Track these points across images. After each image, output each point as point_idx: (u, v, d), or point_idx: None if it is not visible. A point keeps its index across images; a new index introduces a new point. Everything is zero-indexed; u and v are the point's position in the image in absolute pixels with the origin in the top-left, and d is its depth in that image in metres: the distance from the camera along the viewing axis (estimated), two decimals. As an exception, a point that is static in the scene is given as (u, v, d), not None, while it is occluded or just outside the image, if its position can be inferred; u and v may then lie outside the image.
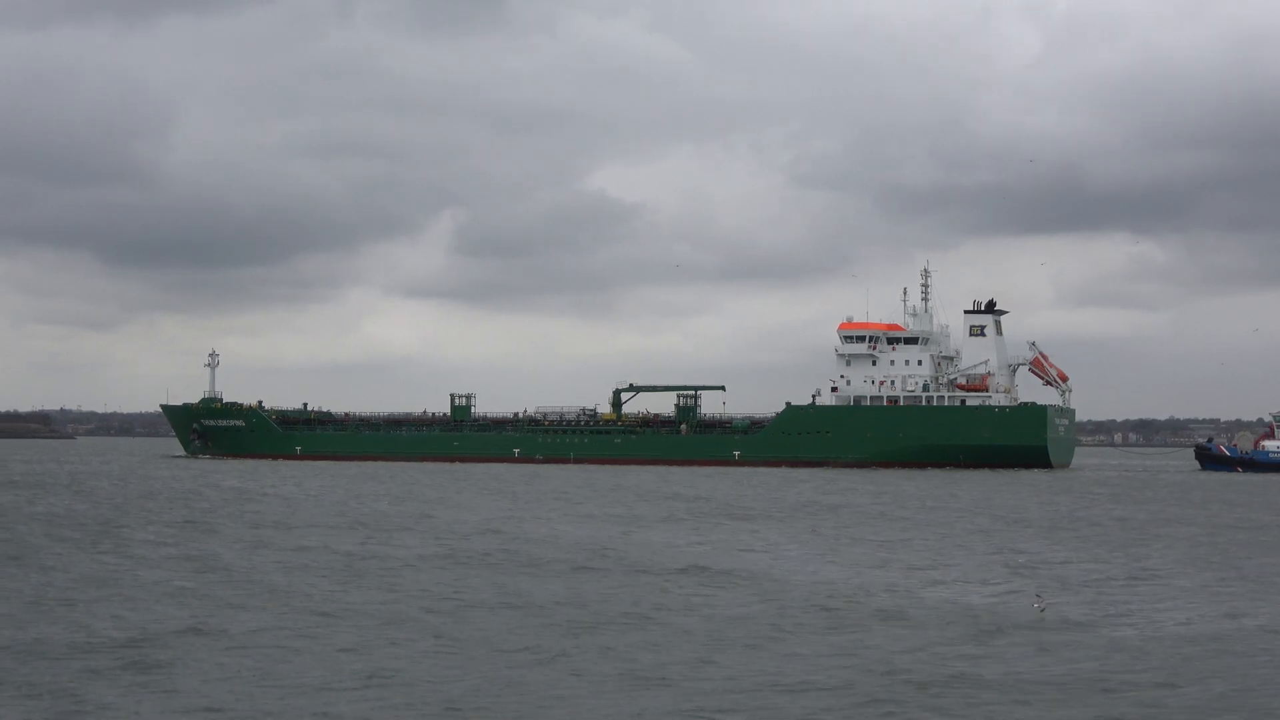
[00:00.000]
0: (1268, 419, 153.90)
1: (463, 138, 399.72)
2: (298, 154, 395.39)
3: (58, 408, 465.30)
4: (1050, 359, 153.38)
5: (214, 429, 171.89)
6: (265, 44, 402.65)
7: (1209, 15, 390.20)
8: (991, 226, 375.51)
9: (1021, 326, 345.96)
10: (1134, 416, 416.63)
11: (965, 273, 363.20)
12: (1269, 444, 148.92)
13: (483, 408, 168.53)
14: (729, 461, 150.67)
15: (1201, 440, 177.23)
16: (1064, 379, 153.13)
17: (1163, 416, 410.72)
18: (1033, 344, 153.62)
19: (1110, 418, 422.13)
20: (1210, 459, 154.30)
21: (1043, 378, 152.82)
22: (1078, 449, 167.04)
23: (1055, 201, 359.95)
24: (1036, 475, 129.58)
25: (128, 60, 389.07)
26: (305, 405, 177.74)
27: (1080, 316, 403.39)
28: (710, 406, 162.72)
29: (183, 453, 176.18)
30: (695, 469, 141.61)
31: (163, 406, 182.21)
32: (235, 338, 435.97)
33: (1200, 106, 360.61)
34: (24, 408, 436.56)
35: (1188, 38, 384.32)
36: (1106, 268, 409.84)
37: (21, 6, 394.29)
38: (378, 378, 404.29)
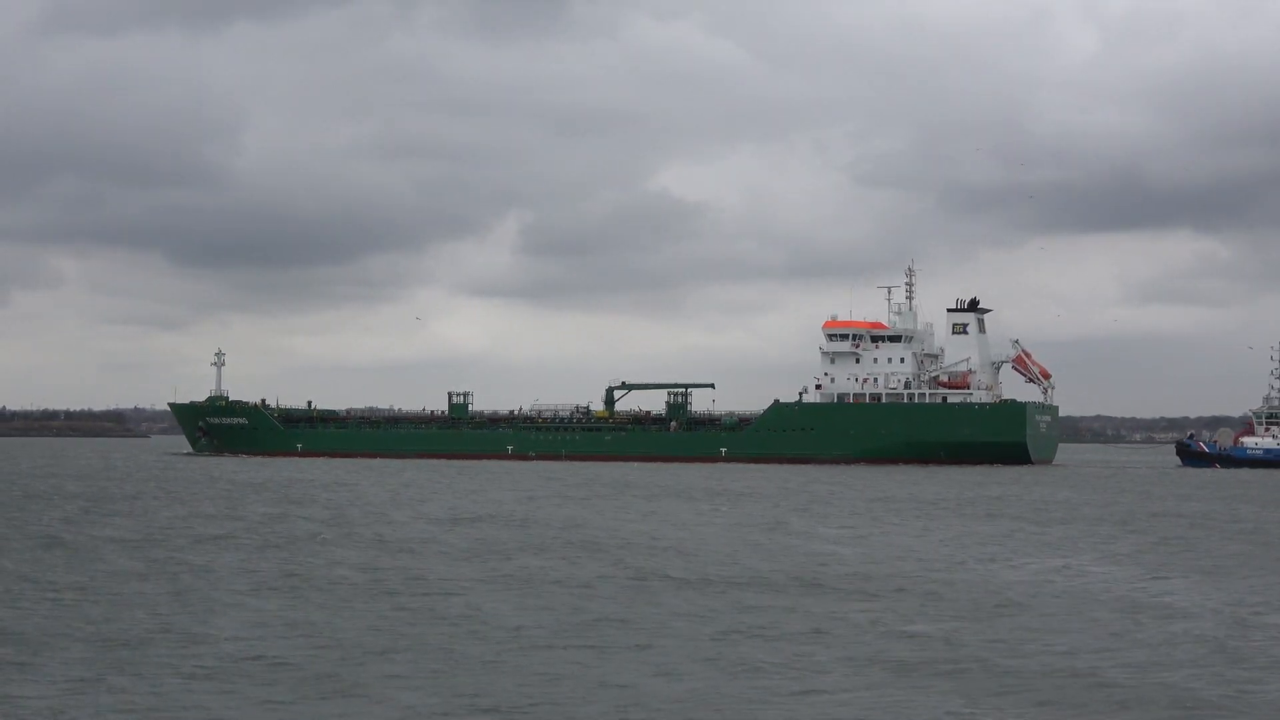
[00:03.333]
0: (1247, 415, 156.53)
1: (526, 139, 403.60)
2: (364, 156, 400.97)
3: (131, 406, 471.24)
4: (1033, 356, 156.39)
5: (219, 427, 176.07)
6: (329, 48, 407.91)
7: (1265, 13, 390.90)
8: (1054, 225, 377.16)
9: (1085, 323, 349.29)
10: (1207, 414, 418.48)
11: (1029, 271, 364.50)
12: (1247, 440, 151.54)
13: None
14: (715, 458, 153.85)
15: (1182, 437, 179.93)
16: (1046, 376, 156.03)
17: (1236, 413, 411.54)
18: (1015, 341, 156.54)
19: (1183, 414, 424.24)
20: (1190, 455, 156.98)
21: (1025, 375, 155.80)
22: (1061, 445, 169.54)
23: (1118, 199, 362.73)
24: (1007, 470, 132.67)
25: (197, 66, 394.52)
26: (310, 403, 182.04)
27: (1145, 313, 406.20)
28: (705, 404, 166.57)
29: (190, 450, 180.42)
30: (681, 465, 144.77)
31: (171, 405, 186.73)
32: (305, 337, 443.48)
33: (1259, 104, 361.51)
34: (98, 407, 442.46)
35: (1244, 36, 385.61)
36: (1171, 265, 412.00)
37: (94, 14, 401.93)
38: (444, 376, 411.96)
